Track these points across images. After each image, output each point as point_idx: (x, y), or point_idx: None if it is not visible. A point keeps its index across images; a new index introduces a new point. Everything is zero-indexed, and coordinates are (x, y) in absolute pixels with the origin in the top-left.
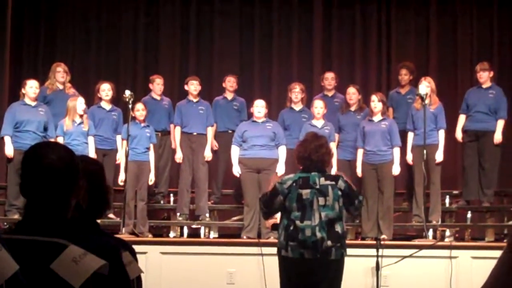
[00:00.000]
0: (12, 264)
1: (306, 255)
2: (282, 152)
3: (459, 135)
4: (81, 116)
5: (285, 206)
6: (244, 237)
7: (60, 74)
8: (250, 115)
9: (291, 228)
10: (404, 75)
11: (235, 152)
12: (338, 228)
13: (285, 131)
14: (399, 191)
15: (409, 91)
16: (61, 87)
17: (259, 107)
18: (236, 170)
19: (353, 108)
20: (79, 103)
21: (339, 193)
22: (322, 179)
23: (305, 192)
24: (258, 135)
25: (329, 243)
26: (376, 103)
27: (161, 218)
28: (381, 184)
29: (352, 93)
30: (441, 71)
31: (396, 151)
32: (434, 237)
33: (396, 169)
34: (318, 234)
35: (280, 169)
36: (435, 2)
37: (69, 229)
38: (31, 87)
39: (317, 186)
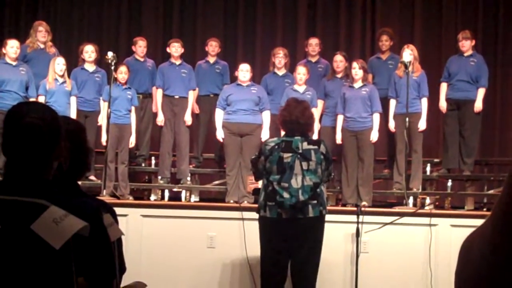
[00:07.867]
0: None
1: (284, 215)
2: (266, 117)
3: (443, 104)
4: (62, 76)
5: (265, 168)
6: (231, 201)
7: (41, 33)
8: (233, 79)
9: (270, 189)
10: (385, 41)
11: (219, 116)
12: (318, 190)
13: (267, 96)
14: (380, 158)
15: (389, 57)
16: (42, 46)
17: (244, 71)
18: (220, 135)
19: (339, 75)
20: (57, 63)
21: (322, 157)
22: (305, 143)
23: (287, 156)
24: (243, 99)
25: (307, 201)
26: (357, 70)
27: (142, 181)
28: (361, 151)
29: (340, 61)
30: (425, 40)
31: (376, 117)
32: (414, 204)
33: (374, 135)
34: (301, 197)
35: (265, 134)
36: None
37: (50, 190)
38: (12, 47)
39: (300, 151)
